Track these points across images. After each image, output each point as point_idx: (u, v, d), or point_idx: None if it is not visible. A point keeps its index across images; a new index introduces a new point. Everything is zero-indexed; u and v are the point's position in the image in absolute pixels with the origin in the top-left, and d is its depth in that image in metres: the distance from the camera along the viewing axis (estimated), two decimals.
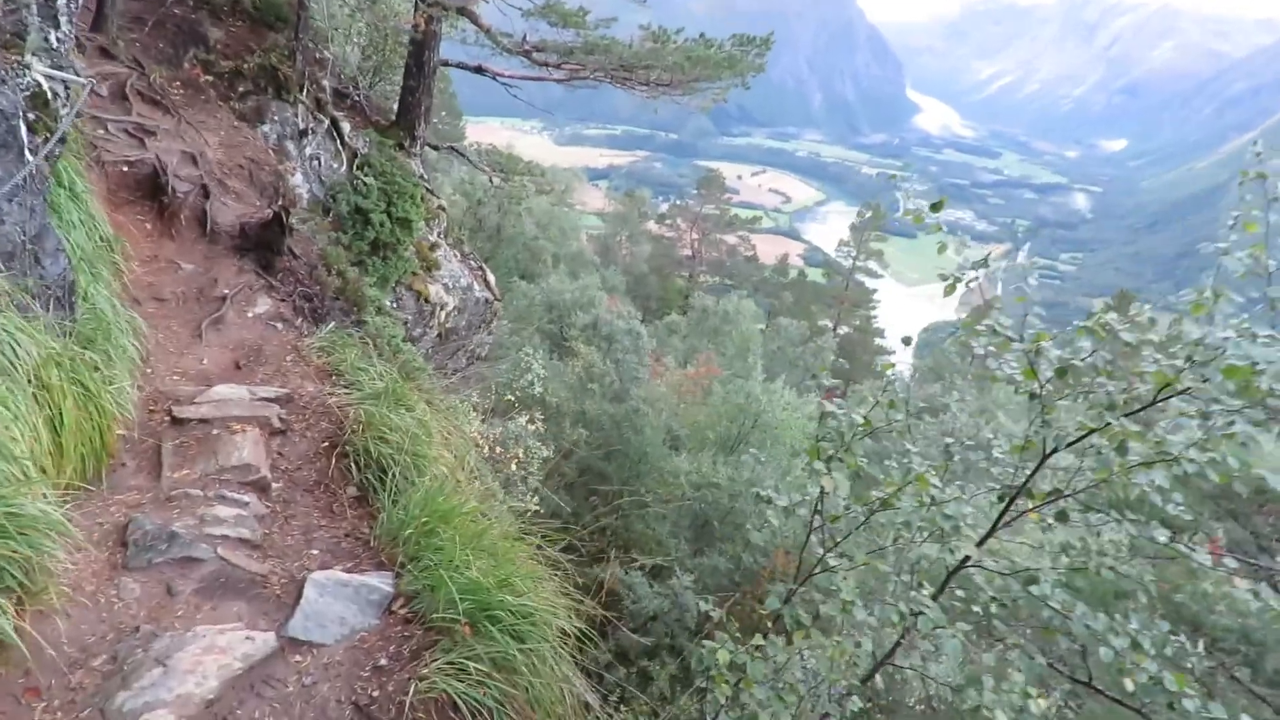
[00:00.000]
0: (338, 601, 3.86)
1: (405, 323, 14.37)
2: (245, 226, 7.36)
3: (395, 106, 15.11)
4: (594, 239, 64.96)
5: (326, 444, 5.50)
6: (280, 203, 7.45)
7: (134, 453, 4.94)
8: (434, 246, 14.76)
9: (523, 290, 35.76)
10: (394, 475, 5.06)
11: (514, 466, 15.43)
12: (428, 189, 14.63)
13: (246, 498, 4.63)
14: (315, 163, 12.29)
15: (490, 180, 16.00)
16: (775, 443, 24.86)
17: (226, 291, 6.95)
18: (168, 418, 5.32)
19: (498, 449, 15.60)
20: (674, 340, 44.29)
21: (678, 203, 75.47)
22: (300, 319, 7.11)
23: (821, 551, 16.78)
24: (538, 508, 16.92)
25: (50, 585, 3.37)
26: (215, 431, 5.23)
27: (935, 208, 5.04)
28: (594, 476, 27.44)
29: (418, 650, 3.67)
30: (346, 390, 6.13)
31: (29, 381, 3.96)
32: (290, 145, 11.87)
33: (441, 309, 14.63)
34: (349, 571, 4.26)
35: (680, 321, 49.32)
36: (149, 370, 5.86)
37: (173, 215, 7.36)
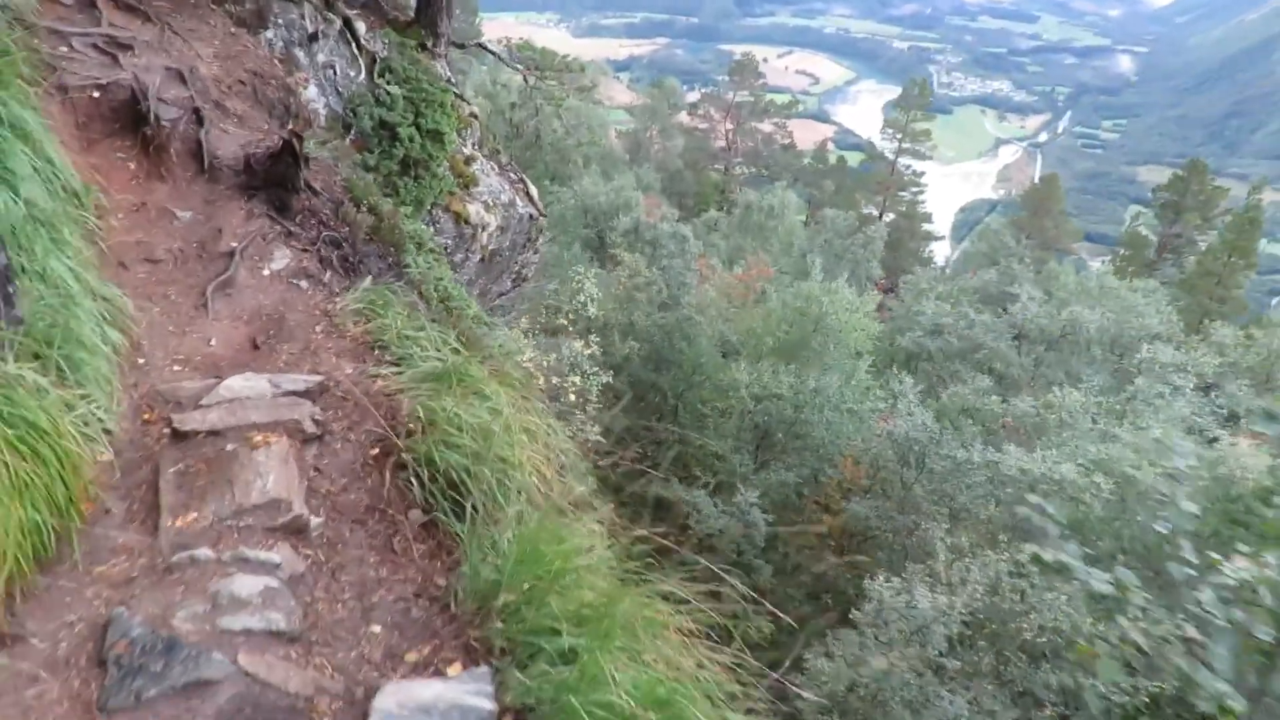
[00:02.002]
0: None
1: (445, 248, 12.94)
2: (251, 159, 5.89)
3: (413, 1, 13.28)
4: (623, 135, 62.15)
5: (377, 450, 4.18)
6: (291, 126, 5.96)
7: (123, 488, 3.66)
8: (469, 160, 13.15)
9: (556, 195, 33.94)
10: (473, 498, 3.73)
11: (572, 397, 14.19)
12: (457, 94, 12.93)
13: (276, 555, 3.33)
14: (330, 72, 10.66)
15: (525, 81, 14.18)
16: (838, 346, 23.38)
17: (235, 245, 5.54)
18: (167, 430, 4.01)
19: (554, 379, 14.35)
20: (715, 239, 42.37)
21: (709, 91, 72.03)
22: (328, 272, 5.71)
23: (901, 467, 15.24)
24: (599, 437, 15.83)
25: None
26: (230, 447, 3.92)
27: None
28: (646, 389, 26.28)
29: None
30: (396, 368, 4.77)
31: None
32: (299, 53, 10.23)
33: (483, 230, 13.14)
34: (429, 669, 2.99)
35: (720, 218, 47.24)
36: (141, 361, 4.53)
37: (160, 150, 5.91)
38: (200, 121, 6.25)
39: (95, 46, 6.41)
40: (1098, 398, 20.06)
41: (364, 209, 6.44)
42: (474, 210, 12.92)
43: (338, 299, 5.47)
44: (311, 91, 10.46)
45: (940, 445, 17.19)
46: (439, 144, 11.71)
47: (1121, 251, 52.26)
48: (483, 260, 13.75)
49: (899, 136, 53.59)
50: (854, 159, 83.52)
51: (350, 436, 4.26)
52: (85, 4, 7.06)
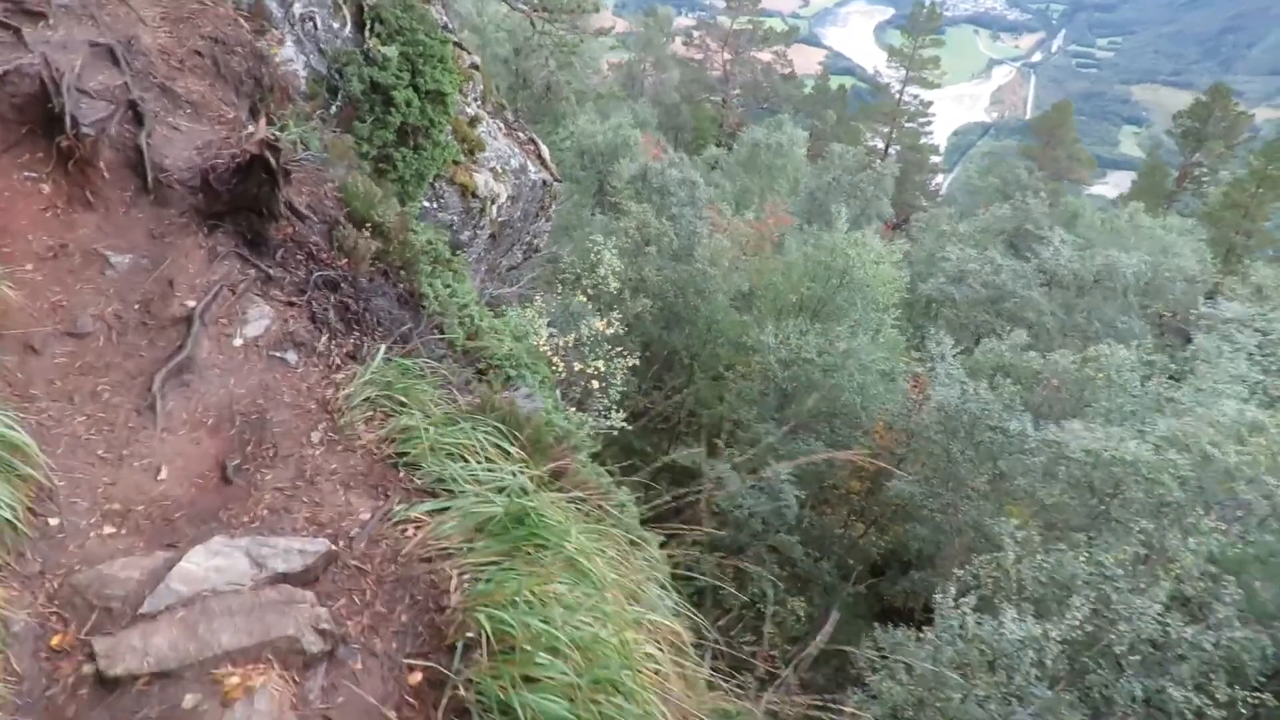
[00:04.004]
0: None
1: (451, 225, 11.28)
2: (211, 174, 4.26)
3: None
4: (615, 68, 59.25)
5: (420, 678, 2.71)
6: (262, 122, 4.31)
7: None
8: (474, 121, 11.39)
9: (551, 139, 31.85)
10: None
11: (595, 385, 12.69)
12: (457, 44, 11.11)
13: None
14: (309, 25, 8.87)
15: (532, 24, 12.31)
16: (866, 301, 21.82)
17: (192, 303, 3.96)
18: (88, 669, 2.53)
19: (575, 365, 12.83)
20: (718, 178, 40.28)
21: (703, 17, 68.84)
22: (324, 334, 4.14)
23: (947, 440, 13.77)
24: (625, 424, 14.40)
25: None
26: (189, 702, 2.44)
27: None
28: (659, 347, 24.79)
29: None
30: (433, 502, 3.28)
31: None
32: (272, 5, 8.44)
33: (492, 203, 11.45)
34: None
35: (721, 155, 45.03)
36: (53, 522, 3.02)
37: (84, 164, 4.28)
38: (139, 120, 4.59)
39: None
40: (1150, 355, 18.68)
41: (367, 229, 4.83)
42: (481, 181, 11.21)
43: (339, 378, 3.92)
44: (288, 50, 8.69)
45: (990, 416, 15.81)
46: (441, 107, 9.96)
47: (1132, 180, 50.44)
48: (492, 236, 12.09)
49: (905, 65, 50.94)
50: (837, 82, 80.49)
51: (375, 647, 2.78)
52: None
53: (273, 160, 4.07)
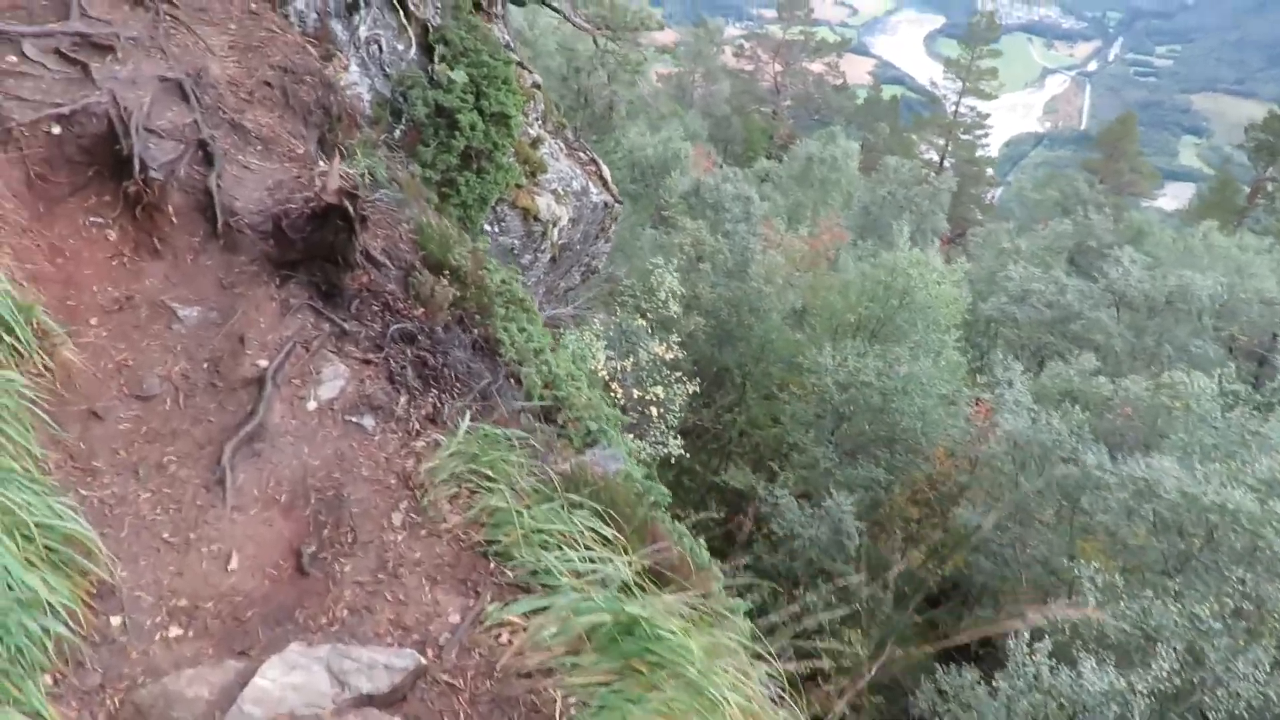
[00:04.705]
0: None
1: (512, 249, 11.03)
2: (284, 220, 3.98)
3: None
4: (664, 79, 59.00)
5: None
6: (332, 171, 4.00)
7: None
8: (536, 142, 11.14)
9: (607, 155, 31.64)
10: None
11: (654, 413, 12.31)
12: (520, 64, 10.87)
13: None
14: (374, 48, 8.67)
15: (595, 43, 12.02)
16: (927, 323, 21.14)
17: (265, 362, 3.68)
18: None
19: (634, 392, 12.47)
20: (769, 190, 39.71)
21: (751, 27, 68.43)
22: (402, 395, 3.82)
23: (1017, 470, 13.08)
24: (681, 451, 14.00)
25: None
26: None
27: None
28: (710, 366, 24.34)
29: None
30: (527, 600, 2.93)
31: None
32: (337, 26, 8.25)
33: (554, 225, 11.18)
34: None
35: (772, 167, 44.46)
36: (115, 623, 2.71)
37: (152, 209, 4.03)
38: (209, 160, 4.33)
39: (58, 53, 4.49)
40: (1233, 384, 17.74)
41: (445, 275, 4.52)
42: (544, 204, 10.94)
43: (419, 446, 3.60)
44: (353, 73, 8.50)
45: (1063, 447, 15.09)
46: (505, 129, 9.71)
47: (1194, 192, 48.69)
48: (552, 259, 11.82)
49: (961, 76, 49.88)
50: (889, 93, 79.46)
51: None
52: None
53: (351, 208, 3.76)
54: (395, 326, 4.10)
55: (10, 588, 2.37)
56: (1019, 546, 15.93)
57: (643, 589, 3.06)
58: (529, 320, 5.53)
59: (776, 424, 23.49)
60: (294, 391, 3.65)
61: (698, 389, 13.84)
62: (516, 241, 10.90)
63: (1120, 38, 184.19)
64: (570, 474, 3.61)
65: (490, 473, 3.44)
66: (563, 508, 3.35)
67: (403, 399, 3.79)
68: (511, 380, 4.80)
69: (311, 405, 3.63)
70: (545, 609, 2.90)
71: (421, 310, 4.39)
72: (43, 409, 3.04)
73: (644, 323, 13.75)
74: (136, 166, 3.95)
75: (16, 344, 3.06)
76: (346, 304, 4.06)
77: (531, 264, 11.35)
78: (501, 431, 3.56)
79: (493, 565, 3.11)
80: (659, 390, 12.66)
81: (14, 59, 4.34)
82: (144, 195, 3.97)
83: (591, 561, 3.11)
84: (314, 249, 3.99)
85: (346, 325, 3.97)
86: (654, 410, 12.44)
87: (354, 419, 3.64)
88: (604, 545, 3.25)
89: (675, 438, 13.15)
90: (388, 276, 4.38)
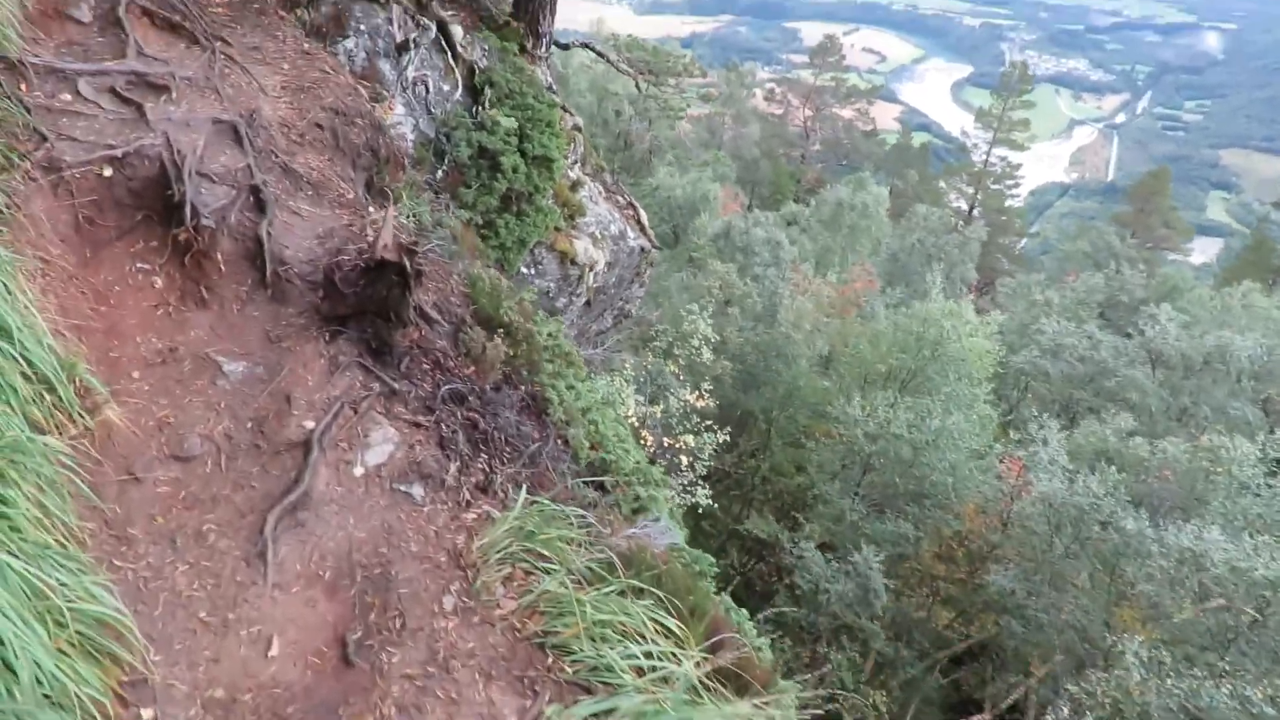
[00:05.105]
0: None
1: (547, 292, 10.89)
2: (336, 273, 3.82)
3: None
4: (694, 121, 59.42)
5: None
6: (386, 220, 3.84)
7: None
8: (576, 185, 11.04)
9: (637, 194, 31.69)
10: None
11: (684, 461, 12.04)
12: (563, 108, 10.80)
13: None
14: (420, 88, 8.61)
15: (638, 88, 11.97)
16: (959, 376, 20.79)
17: (311, 424, 3.49)
18: None
19: (664, 440, 12.22)
20: (796, 234, 39.63)
21: (780, 71, 68.96)
22: (453, 462, 3.62)
23: (1053, 533, 12.64)
24: (710, 502, 13.69)
25: None
26: None
27: None
28: (732, 408, 24.04)
29: None
30: (592, 702, 2.69)
31: None
32: (385, 66, 8.20)
33: (590, 269, 11.04)
34: None
35: (800, 211, 44.47)
36: (147, 717, 2.49)
37: (201, 256, 3.89)
38: (260, 206, 4.19)
39: (113, 92, 4.39)
40: (1278, 450, 17.23)
41: (496, 330, 4.34)
42: (581, 247, 10.81)
43: (470, 519, 3.39)
44: (398, 112, 8.45)
45: (1101, 510, 14.65)
46: (546, 172, 9.63)
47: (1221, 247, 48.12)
48: (587, 302, 11.67)
49: (993, 126, 49.81)
50: (918, 139, 79.63)
51: None
52: (108, 22, 5.06)
53: (408, 263, 3.59)
54: (446, 387, 3.91)
55: (39, 681, 2.17)
56: (1054, 612, 15.41)
57: (709, 690, 2.83)
58: (576, 376, 5.33)
59: (801, 472, 23.11)
60: (340, 456, 3.45)
61: (728, 438, 13.53)
62: (552, 285, 10.76)
63: (1149, 92, 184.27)
64: (629, 554, 3.38)
65: (546, 552, 3.22)
66: (623, 593, 3.12)
67: (453, 466, 3.59)
68: (560, 441, 4.59)
69: (358, 471, 3.44)
70: (609, 712, 2.67)
71: (472, 369, 4.20)
72: (81, 473, 2.86)
73: (675, 369, 13.54)
74: (188, 213, 3.81)
75: (57, 403, 2.89)
76: (396, 362, 3.88)
77: (566, 307, 11.19)
78: (557, 507, 3.34)
79: (551, 659, 2.88)
80: (689, 438, 12.41)
81: (69, 97, 4.24)
82: (194, 243, 3.82)
83: (656, 658, 2.87)
84: (366, 304, 3.82)
85: (396, 385, 3.78)
86: (683, 459, 12.17)
87: (402, 487, 3.43)
88: (667, 637, 3.01)
89: (703, 487, 12.85)
90: (438, 332, 4.20)
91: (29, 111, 3.90)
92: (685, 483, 13.09)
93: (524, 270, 10.38)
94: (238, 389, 3.63)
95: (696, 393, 13.20)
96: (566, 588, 3.04)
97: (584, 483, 4.57)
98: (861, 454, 19.56)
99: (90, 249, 3.80)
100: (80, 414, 2.98)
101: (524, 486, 3.48)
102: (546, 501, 3.39)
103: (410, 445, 3.58)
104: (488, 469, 3.75)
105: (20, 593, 2.21)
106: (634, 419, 12.32)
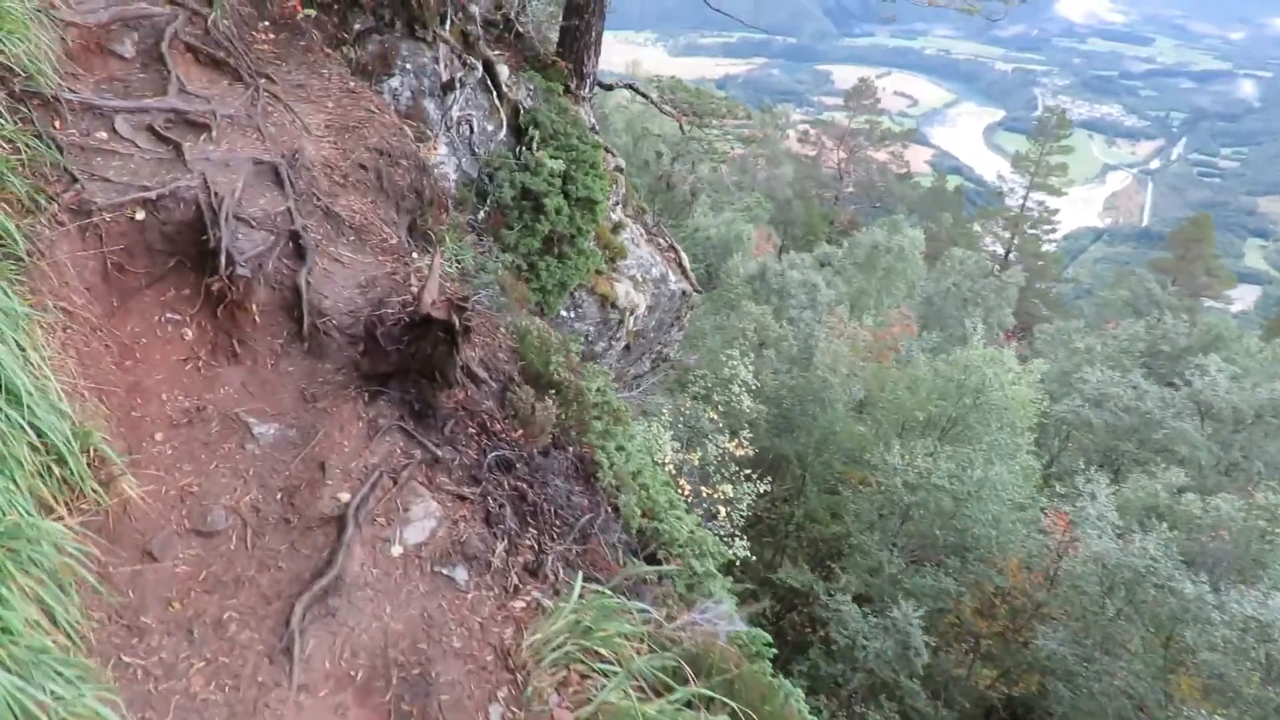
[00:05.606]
0: None
1: (586, 336, 10.59)
2: (377, 327, 3.53)
3: (544, 33, 11.08)
4: (729, 161, 59.37)
5: None
6: (437, 277, 3.54)
7: None
8: (618, 227, 10.80)
9: (678, 236, 31.49)
10: None
11: (722, 513, 11.59)
12: (606, 149, 10.60)
13: None
14: (465, 128, 8.41)
15: (681, 129, 11.76)
16: (1001, 425, 20.18)
17: (346, 495, 3.16)
18: None
19: (702, 489, 11.80)
20: (829, 275, 39.23)
21: (812, 112, 69.06)
22: (500, 539, 3.27)
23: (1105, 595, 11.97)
24: (746, 551, 13.21)
25: None
26: None
27: None
28: (764, 452, 23.50)
29: None
30: None
31: None
32: (429, 105, 8.02)
33: (630, 313, 10.74)
34: None
35: (834, 253, 44.10)
36: None
37: (235, 307, 3.61)
38: (300, 253, 3.92)
39: (151, 130, 4.16)
40: None
41: (544, 390, 4.01)
42: (622, 291, 10.53)
43: (518, 608, 3.03)
44: (441, 152, 8.24)
45: (1157, 573, 13.96)
46: (590, 214, 9.38)
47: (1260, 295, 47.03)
48: (626, 347, 11.36)
49: (1030, 171, 49.31)
50: (952, 183, 79.26)
51: None
52: (151, 58, 4.86)
53: (457, 320, 3.28)
54: (493, 454, 3.58)
55: None
56: (1107, 678, 14.66)
57: None
58: (625, 435, 4.99)
59: (836, 519, 22.50)
60: (377, 533, 3.12)
61: (768, 488, 13.07)
62: (591, 328, 10.47)
63: (1184, 138, 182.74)
64: (696, 654, 3.00)
65: (604, 651, 2.85)
66: (690, 703, 2.74)
67: (500, 546, 3.24)
68: (610, 509, 4.23)
69: (396, 551, 3.10)
70: None
71: (520, 432, 3.87)
72: (92, 557, 2.54)
73: (715, 416, 13.15)
74: (223, 261, 3.54)
75: (68, 476, 2.59)
76: (440, 425, 3.56)
77: (605, 352, 10.89)
78: (618, 600, 2.97)
79: None
80: (728, 488, 11.98)
81: (104, 135, 4.01)
82: (228, 292, 3.54)
83: None
84: (409, 362, 3.51)
85: (439, 451, 3.45)
86: (721, 510, 11.74)
87: (445, 570, 3.09)
88: None
89: (740, 538, 12.39)
90: (485, 392, 3.88)
91: (61, 150, 3.66)
92: (722, 534, 12.64)
93: (563, 313, 10.11)
94: (268, 454, 3.31)
95: (735, 440, 12.78)
96: (629, 697, 2.66)
97: (634, 552, 4.21)
98: (900, 504, 18.96)
99: (118, 298, 3.53)
100: (93, 488, 2.68)
101: (579, 572, 3.12)
102: (604, 589, 3.03)
103: (454, 521, 3.24)
104: (537, 546, 3.40)
105: (7, 712, 1.88)
106: (670, 466, 11.92)
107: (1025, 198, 49.30)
